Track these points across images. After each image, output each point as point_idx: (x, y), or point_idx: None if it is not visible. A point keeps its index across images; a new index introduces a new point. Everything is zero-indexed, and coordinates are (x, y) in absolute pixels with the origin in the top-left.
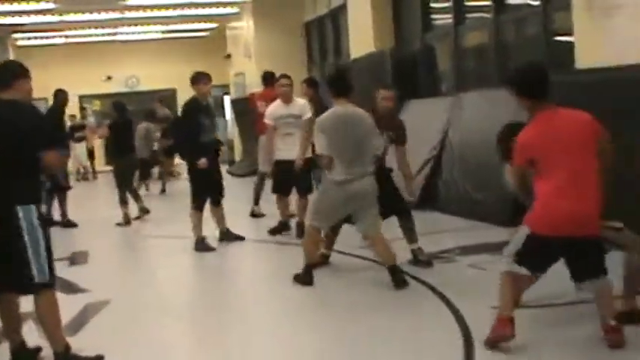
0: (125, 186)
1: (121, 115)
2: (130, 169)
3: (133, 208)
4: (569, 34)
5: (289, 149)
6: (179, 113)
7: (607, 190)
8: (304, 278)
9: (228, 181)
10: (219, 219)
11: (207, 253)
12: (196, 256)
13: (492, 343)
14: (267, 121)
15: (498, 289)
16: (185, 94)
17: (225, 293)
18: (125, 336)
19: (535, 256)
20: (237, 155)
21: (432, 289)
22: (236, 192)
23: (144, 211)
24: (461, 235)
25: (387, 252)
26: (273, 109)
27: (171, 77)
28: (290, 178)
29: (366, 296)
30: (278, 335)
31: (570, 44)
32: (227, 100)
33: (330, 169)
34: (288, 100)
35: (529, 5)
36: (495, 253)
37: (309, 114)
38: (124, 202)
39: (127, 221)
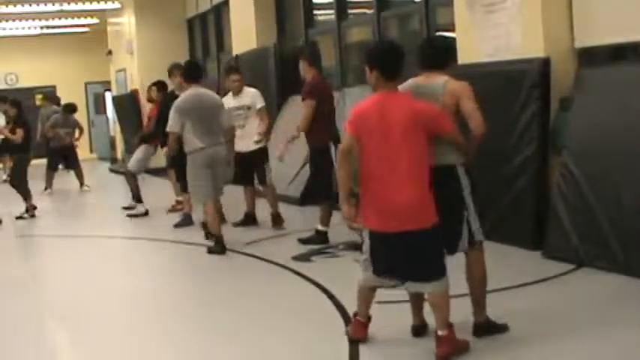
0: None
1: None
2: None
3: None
4: (452, 30)
5: (241, 141)
6: None
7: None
8: (216, 248)
9: (110, 179)
10: None
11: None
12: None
13: (351, 339)
14: None
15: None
16: (65, 91)
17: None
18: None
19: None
20: (120, 153)
21: (317, 284)
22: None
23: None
24: (345, 231)
25: (214, 214)
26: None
27: (51, 74)
28: (247, 169)
29: (251, 292)
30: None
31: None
32: (108, 96)
33: (173, 146)
34: (237, 91)
35: (412, 1)
36: None
37: (261, 103)
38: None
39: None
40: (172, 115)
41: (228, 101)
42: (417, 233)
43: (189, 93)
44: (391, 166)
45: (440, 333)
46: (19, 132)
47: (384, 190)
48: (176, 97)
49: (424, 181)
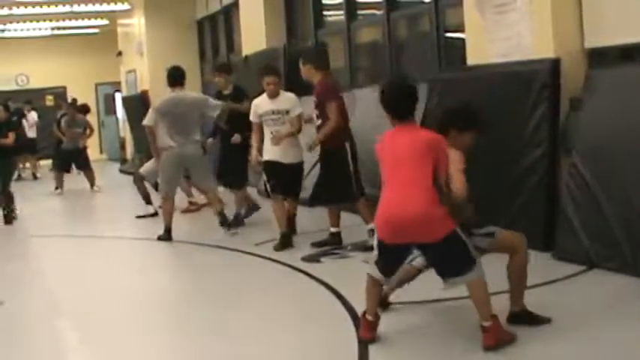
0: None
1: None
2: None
3: None
4: (462, 30)
5: (279, 150)
6: None
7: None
8: (165, 236)
9: (120, 180)
10: None
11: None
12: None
13: (360, 340)
14: (251, 119)
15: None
16: (75, 91)
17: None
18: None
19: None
20: (129, 153)
21: (326, 285)
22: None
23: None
24: (354, 232)
25: (218, 201)
26: (257, 105)
27: (62, 75)
28: (281, 181)
29: (260, 292)
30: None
31: (462, 41)
32: (118, 97)
33: (154, 137)
34: (274, 94)
35: (421, 2)
36: None
37: (299, 109)
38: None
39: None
40: (150, 112)
41: (263, 103)
42: (430, 245)
43: (169, 96)
44: (401, 185)
45: (484, 324)
46: (11, 135)
47: (395, 207)
48: (222, 96)
49: (432, 199)
